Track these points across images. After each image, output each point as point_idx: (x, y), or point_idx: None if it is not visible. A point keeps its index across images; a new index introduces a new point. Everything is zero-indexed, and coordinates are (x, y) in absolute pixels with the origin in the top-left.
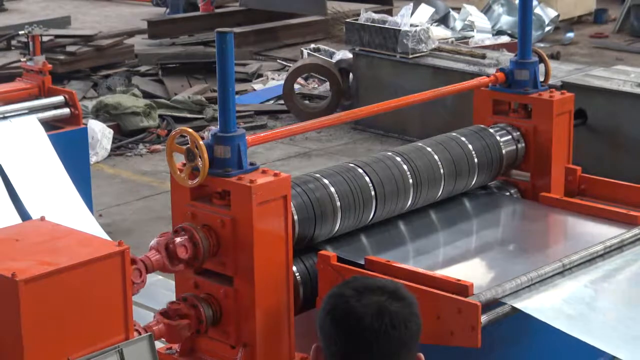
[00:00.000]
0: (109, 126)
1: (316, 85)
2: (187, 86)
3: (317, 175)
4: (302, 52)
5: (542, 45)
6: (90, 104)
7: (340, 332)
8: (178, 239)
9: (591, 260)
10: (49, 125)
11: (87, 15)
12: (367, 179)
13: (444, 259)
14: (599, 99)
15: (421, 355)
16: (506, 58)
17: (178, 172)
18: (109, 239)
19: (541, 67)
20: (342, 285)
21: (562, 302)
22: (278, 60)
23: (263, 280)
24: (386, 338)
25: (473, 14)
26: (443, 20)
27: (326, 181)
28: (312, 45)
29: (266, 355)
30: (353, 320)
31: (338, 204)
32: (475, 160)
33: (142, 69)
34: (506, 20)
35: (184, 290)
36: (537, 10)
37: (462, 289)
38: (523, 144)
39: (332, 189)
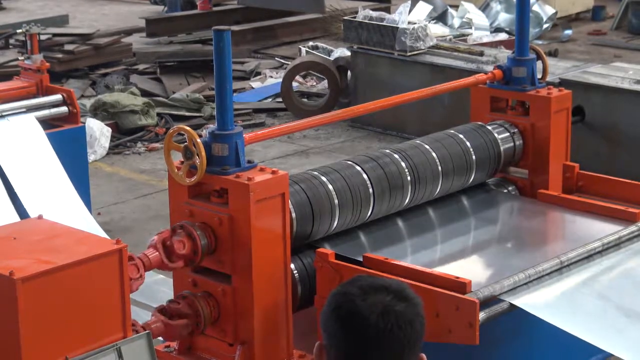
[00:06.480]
0: (107, 124)
1: (314, 83)
2: (185, 84)
3: (315, 173)
4: (300, 50)
5: (539, 42)
6: (88, 103)
7: (345, 331)
8: (175, 236)
9: (589, 257)
10: (47, 123)
11: (85, 14)
12: (364, 176)
13: (442, 256)
14: (597, 96)
15: (423, 355)
16: (504, 55)
17: (176, 170)
18: (107, 237)
19: (539, 64)
20: (347, 284)
21: (560, 299)
22: (276, 58)
23: (261, 278)
24: (391, 337)
25: (471, 11)
26: (441, 17)
27: (324, 179)
28: (310, 43)
29: (264, 353)
30: (358, 319)
31: (336, 201)
32: (473, 157)
33: (140, 67)
34: (504, 17)
35: (182, 288)
36: (535, 7)
37: (460, 286)
38: (521, 141)
39: (330, 187)
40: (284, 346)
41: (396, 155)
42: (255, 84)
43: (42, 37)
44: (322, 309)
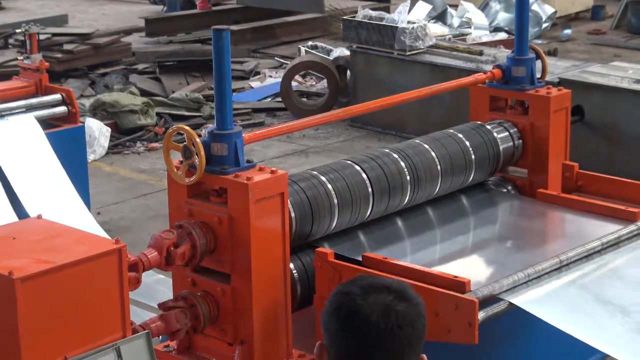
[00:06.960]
0: (106, 124)
1: (314, 83)
2: (185, 84)
3: (314, 172)
4: (299, 49)
5: (539, 42)
6: (87, 102)
7: (346, 331)
8: (175, 237)
9: (588, 256)
10: (46, 123)
11: (84, 14)
12: (364, 175)
13: (441, 256)
14: (596, 95)
15: (424, 356)
16: (503, 55)
17: (175, 170)
18: (107, 236)
19: (538, 63)
20: (347, 284)
21: (559, 299)
22: (275, 58)
23: (260, 277)
24: (392, 337)
25: (470, 10)
26: (440, 17)
27: (323, 178)
28: (310, 43)
29: (263, 353)
30: (359, 319)
31: (335, 201)
32: (473, 156)
33: (140, 67)
34: (503, 17)
35: (181, 288)
36: (534, 7)
37: (460, 285)
38: (520, 141)
39: (329, 186)
40: (283, 346)
41: (395, 155)
42: (255, 83)
43: (42, 37)
44: (323, 308)
